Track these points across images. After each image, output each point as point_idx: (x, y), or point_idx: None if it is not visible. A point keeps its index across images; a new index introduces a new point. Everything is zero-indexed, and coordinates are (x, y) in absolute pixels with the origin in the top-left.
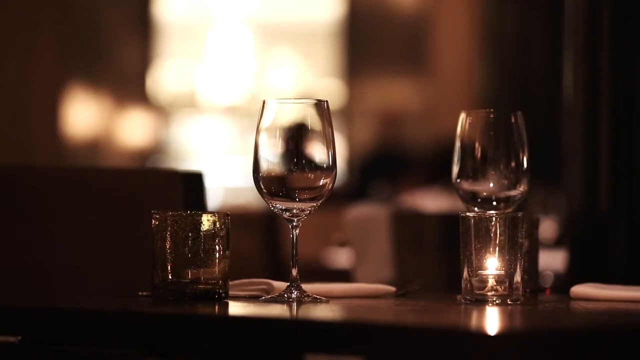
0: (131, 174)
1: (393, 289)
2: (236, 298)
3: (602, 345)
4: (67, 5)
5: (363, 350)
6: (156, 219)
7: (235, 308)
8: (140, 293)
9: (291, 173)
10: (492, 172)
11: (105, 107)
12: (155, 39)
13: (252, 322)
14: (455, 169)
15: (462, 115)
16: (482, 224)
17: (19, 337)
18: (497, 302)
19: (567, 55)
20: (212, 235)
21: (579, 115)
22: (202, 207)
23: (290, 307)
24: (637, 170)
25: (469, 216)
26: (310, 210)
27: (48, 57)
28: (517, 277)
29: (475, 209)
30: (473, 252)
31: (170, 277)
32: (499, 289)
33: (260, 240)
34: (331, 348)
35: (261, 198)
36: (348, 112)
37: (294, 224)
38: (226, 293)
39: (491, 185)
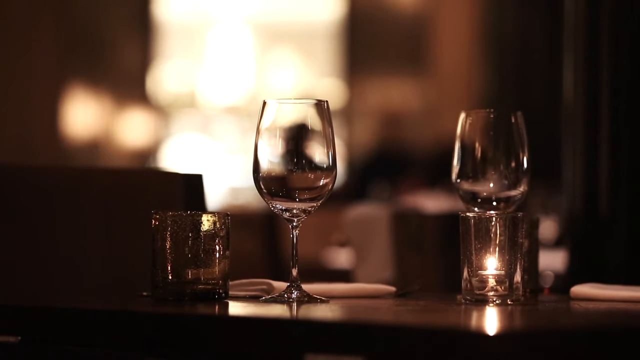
0: (131, 174)
1: (393, 289)
2: (236, 298)
3: (602, 345)
4: (67, 5)
5: (363, 350)
6: (156, 219)
7: (235, 308)
8: (140, 293)
9: (291, 173)
10: (492, 172)
11: (105, 107)
12: (155, 39)
13: (252, 322)
14: (455, 169)
15: (462, 116)
16: (482, 224)
17: (19, 337)
18: (497, 302)
19: (567, 55)
20: (212, 235)
21: (579, 115)
22: (202, 209)
23: (290, 307)
24: (637, 170)
25: (469, 216)
26: (310, 211)
27: (48, 57)
28: (517, 277)
29: (476, 209)
30: (473, 252)
31: (170, 277)
32: (499, 289)
33: (260, 240)
34: (331, 348)
35: (261, 198)
36: (348, 112)
37: (294, 224)
38: (226, 293)
39: (491, 185)
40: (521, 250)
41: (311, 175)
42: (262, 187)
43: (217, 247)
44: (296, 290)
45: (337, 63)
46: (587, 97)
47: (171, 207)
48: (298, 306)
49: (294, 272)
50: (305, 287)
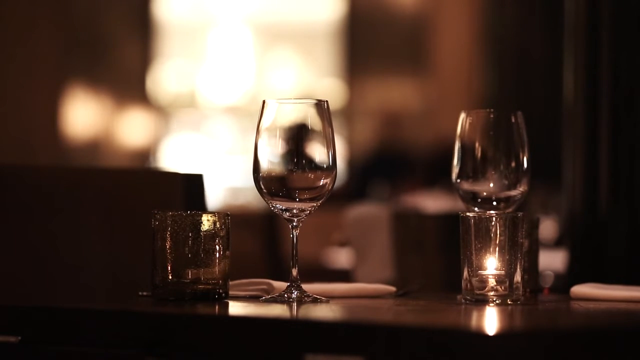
0: (131, 174)
1: (393, 289)
2: (236, 298)
3: (602, 345)
4: (66, 5)
5: (363, 350)
6: (156, 219)
7: (235, 308)
8: (140, 293)
9: (291, 173)
10: (492, 172)
11: (105, 107)
12: (155, 39)
13: (252, 322)
14: (456, 169)
15: (462, 115)
16: (482, 224)
17: (19, 337)
18: (497, 302)
19: (567, 55)
20: (212, 235)
21: (579, 115)
22: (202, 209)
23: (290, 307)
24: (637, 170)
25: (469, 216)
26: (310, 210)
27: (48, 57)
28: (517, 277)
29: (476, 209)
30: (473, 252)
31: (170, 277)
32: (499, 289)
33: (260, 240)
34: (331, 348)
35: (261, 198)
36: (348, 112)
37: (294, 224)
38: (226, 293)
39: (491, 185)
40: (521, 250)
41: (311, 175)
42: (262, 187)
43: (217, 247)
44: (296, 290)
45: (337, 63)
46: (587, 97)
47: (171, 207)
48: (298, 306)
49: (294, 272)
50: (305, 287)
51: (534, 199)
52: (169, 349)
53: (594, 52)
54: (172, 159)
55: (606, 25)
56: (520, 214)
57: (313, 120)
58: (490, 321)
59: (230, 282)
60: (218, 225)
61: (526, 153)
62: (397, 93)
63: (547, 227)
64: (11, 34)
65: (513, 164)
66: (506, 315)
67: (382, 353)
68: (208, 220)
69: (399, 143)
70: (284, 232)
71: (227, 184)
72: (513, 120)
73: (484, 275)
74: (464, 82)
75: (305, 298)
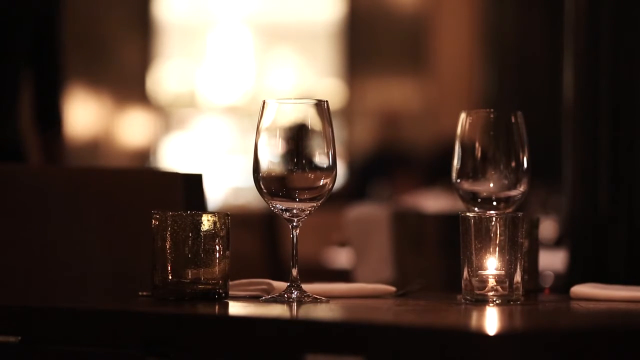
0: (131, 174)
1: (393, 289)
2: (236, 298)
3: (602, 345)
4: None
5: (363, 350)
6: (156, 219)
7: (235, 308)
8: (140, 293)
9: (291, 173)
10: (492, 172)
11: (105, 107)
12: (155, 39)
13: (252, 322)
14: (455, 169)
15: (462, 115)
16: (482, 224)
17: (19, 337)
18: (497, 302)
19: (567, 55)
20: (212, 235)
21: (579, 115)
22: (202, 209)
23: (290, 307)
24: (637, 171)
25: (469, 216)
26: (310, 210)
27: None
28: (517, 277)
29: (476, 209)
30: (473, 252)
31: (170, 277)
32: (499, 289)
33: (260, 240)
34: (331, 348)
35: (261, 198)
36: (348, 112)
37: (294, 224)
38: (226, 293)
39: (491, 185)
40: (521, 250)
41: (311, 175)
42: (262, 187)
43: (217, 247)
44: (296, 290)
45: (337, 63)
46: (587, 97)
47: (171, 207)
48: (298, 306)
49: (294, 272)
50: (305, 287)
51: (534, 199)
52: (169, 349)
53: (594, 52)
54: (172, 159)
55: (606, 25)
56: (520, 214)
57: (313, 120)
58: (490, 321)
59: (230, 282)
60: (218, 225)
61: (526, 153)
62: (397, 93)
63: (547, 227)
64: None
65: (513, 164)
66: (506, 315)
67: (382, 353)
68: (208, 220)
69: (399, 143)
70: (284, 232)
71: (227, 184)
72: (513, 120)
73: (484, 275)
74: (464, 82)
75: (305, 298)
